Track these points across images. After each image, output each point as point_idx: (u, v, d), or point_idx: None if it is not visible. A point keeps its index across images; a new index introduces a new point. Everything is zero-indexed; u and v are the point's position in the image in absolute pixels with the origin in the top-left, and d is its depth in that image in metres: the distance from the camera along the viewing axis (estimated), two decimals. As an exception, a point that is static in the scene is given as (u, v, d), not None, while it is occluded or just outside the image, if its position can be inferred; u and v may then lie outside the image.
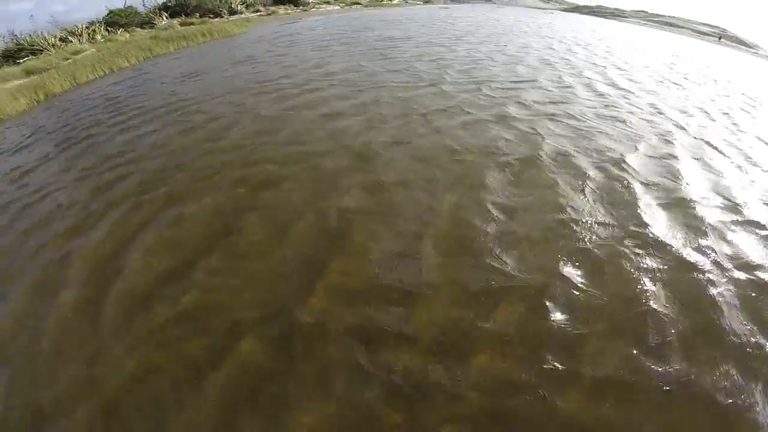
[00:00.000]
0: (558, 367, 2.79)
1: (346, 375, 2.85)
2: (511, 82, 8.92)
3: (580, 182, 4.91)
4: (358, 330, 3.13)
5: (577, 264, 3.65)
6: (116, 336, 3.31)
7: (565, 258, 3.73)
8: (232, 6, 27.95)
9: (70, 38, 20.13)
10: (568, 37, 15.37)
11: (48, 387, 3.00)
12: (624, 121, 6.91)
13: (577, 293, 3.32)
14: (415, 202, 4.56)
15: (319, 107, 7.54)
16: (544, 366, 2.81)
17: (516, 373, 2.79)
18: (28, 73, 15.49)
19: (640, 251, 3.83)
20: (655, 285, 3.45)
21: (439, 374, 2.79)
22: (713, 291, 3.40)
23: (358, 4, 34.97)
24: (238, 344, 3.10)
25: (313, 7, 31.87)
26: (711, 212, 4.49)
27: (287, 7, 30.94)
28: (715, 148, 6.07)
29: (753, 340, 2.97)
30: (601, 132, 6.40)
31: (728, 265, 3.71)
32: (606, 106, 7.65)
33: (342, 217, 4.40)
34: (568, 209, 4.41)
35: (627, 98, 8.15)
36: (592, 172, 5.14)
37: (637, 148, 5.92)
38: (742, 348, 2.92)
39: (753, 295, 3.38)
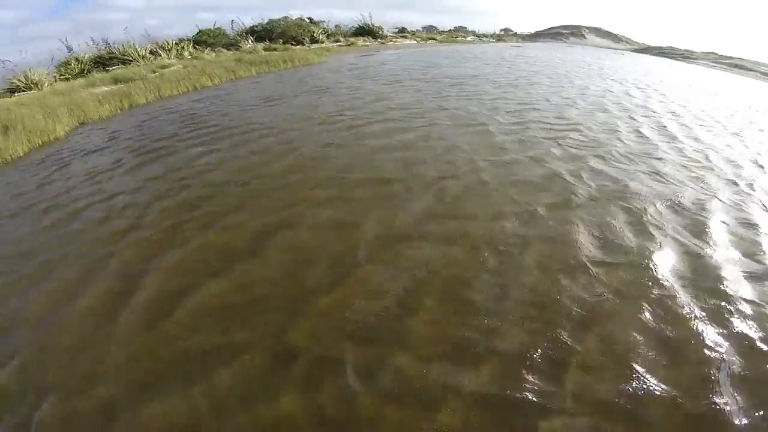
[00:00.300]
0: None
1: (336, 371, 3.16)
2: (560, 125, 9.09)
3: (603, 230, 4.93)
4: (353, 335, 3.47)
5: (577, 318, 3.63)
6: (135, 330, 3.69)
7: (565, 308, 3.75)
8: (314, 35, 29.45)
9: (159, 52, 21.86)
10: (629, 80, 15.40)
11: (60, 370, 3.35)
12: (664, 169, 6.85)
13: (572, 348, 3.34)
14: (438, 234, 4.85)
15: (374, 140, 8.00)
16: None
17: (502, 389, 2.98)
18: (116, 81, 16.93)
19: (649, 308, 3.76)
20: (657, 350, 3.33)
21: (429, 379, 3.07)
22: (721, 363, 3.25)
23: (434, 39, 36.12)
24: (248, 343, 3.45)
25: (391, 41, 33.11)
26: (735, 274, 4.29)
27: (366, 39, 32.28)
28: (760, 203, 5.85)
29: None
30: (636, 180, 6.36)
31: (746, 337, 3.51)
32: (649, 153, 7.62)
33: (368, 243, 4.73)
34: (583, 256, 4.45)
35: (674, 145, 8.12)
36: (618, 221, 5.15)
37: (670, 199, 5.83)
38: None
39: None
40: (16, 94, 17.32)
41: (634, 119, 9.75)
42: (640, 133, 8.73)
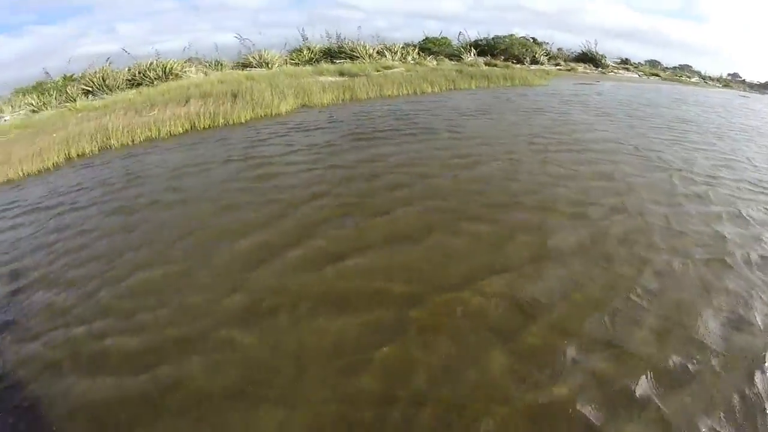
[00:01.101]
0: None
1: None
2: (750, 187, 7.07)
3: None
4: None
5: None
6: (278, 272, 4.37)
7: None
8: (536, 56, 28.53)
9: (385, 53, 22.68)
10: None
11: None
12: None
13: None
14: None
15: (551, 167, 7.28)
16: None
17: None
18: (341, 73, 18.00)
19: None
20: None
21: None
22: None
23: (657, 75, 33.19)
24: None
25: (612, 71, 30.98)
26: None
27: (587, 66, 30.55)
28: None
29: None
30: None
31: None
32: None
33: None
34: None
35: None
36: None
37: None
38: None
39: None
40: (246, 69, 19.11)
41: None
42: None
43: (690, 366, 3.15)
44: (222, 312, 3.80)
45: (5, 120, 15.74)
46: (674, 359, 3.21)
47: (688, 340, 3.41)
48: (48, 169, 9.01)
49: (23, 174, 8.80)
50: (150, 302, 4.01)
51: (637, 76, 31.50)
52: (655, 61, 41.41)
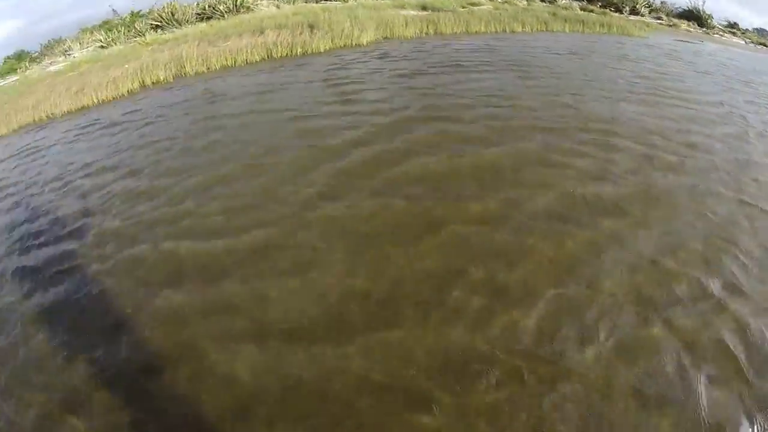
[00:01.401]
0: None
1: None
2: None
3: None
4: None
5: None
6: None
7: None
8: (636, 6, 27.10)
9: (472, -11, 21.83)
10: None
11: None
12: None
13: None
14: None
15: (635, 113, 7.06)
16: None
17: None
18: (424, 8, 17.55)
19: None
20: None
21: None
22: None
23: (765, 45, 31.11)
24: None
25: (717, 33, 29.17)
26: None
27: (690, 24, 28.83)
28: None
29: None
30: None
31: None
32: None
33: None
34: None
35: None
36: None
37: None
38: None
39: None
40: (321, 1, 18.92)
41: None
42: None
43: (736, 282, 3.32)
44: (299, 196, 4.26)
45: (74, 56, 16.27)
46: (726, 273, 3.39)
47: (740, 263, 3.56)
48: (123, 95, 9.37)
49: (98, 101, 9.18)
50: (235, 187, 4.62)
51: (743, 42, 29.51)
52: (765, 30, 38.74)
